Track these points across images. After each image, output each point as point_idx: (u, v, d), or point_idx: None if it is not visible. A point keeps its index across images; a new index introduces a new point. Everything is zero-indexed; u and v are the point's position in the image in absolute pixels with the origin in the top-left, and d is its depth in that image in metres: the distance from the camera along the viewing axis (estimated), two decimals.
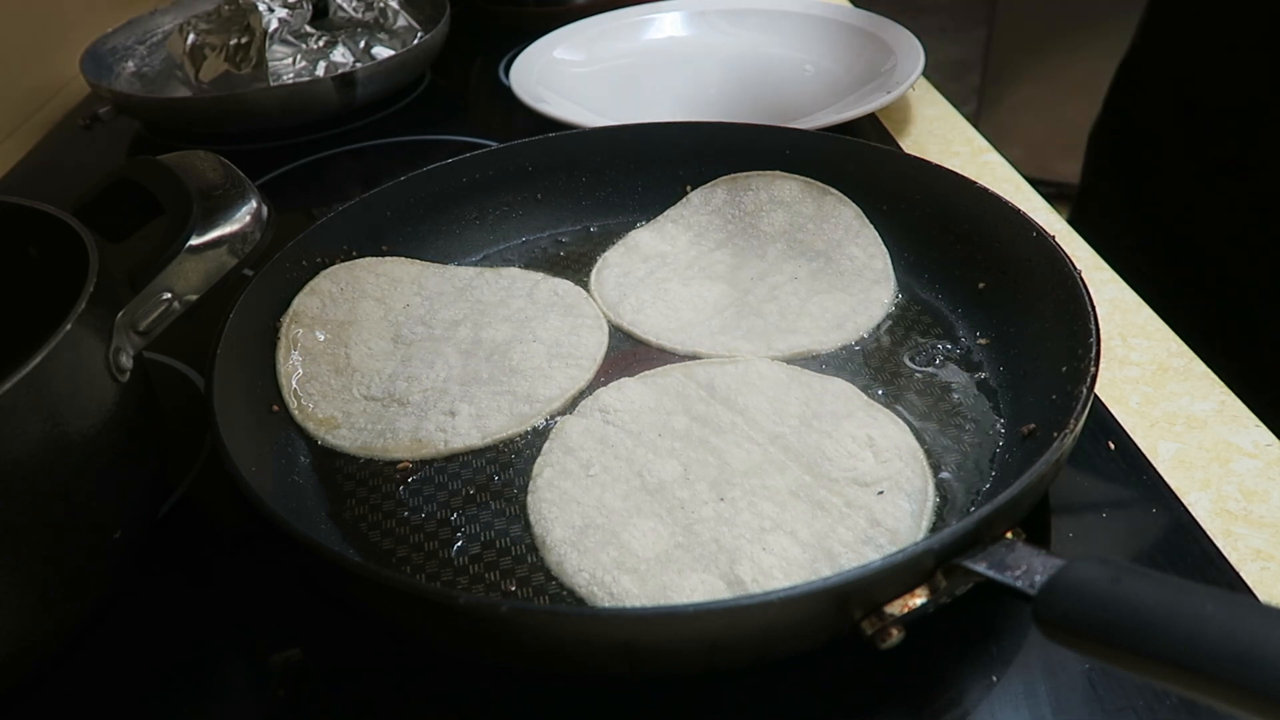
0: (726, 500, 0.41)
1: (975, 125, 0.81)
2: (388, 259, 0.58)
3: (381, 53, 0.92)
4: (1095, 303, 0.43)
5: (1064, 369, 0.42)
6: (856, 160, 0.59)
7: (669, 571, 0.38)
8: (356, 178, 0.81)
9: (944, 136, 0.78)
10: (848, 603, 0.32)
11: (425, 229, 0.61)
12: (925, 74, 0.80)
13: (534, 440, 0.47)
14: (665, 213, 0.62)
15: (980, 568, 0.32)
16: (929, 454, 0.44)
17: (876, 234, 0.57)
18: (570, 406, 0.49)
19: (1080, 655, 0.35)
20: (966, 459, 0.44)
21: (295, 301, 0.53)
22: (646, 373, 0.50)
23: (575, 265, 0.61)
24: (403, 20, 0.95)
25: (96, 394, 0.37)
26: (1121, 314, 0.56)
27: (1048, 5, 2.30)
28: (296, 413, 0.49)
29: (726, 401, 0.47)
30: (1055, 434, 0.37)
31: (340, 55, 0.90)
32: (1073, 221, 0.59)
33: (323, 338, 0.52)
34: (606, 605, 0.38)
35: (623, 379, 0.50)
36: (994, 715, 0.35)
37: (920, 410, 0.47)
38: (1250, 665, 0.24)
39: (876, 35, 0.86)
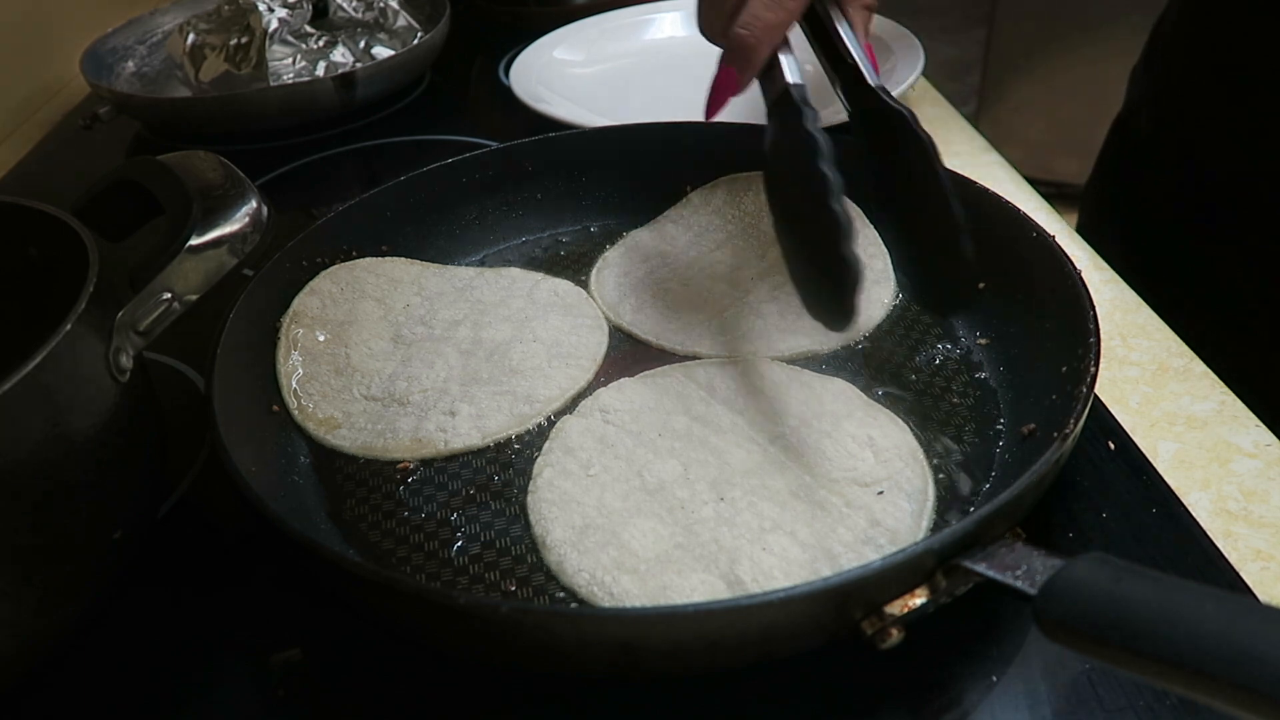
0: (726, 500, 0.41)
1: (975, 125, 0.81)
2: (388, 259, 0.58)
3: (381, 53, 0.92)
4: (1095, 303, 0.43)
5: (1064, 369, 0.42)
6: (856, 160, 0.59)
7: (669, 572, 0.38)
8: (356, 178, 0.81)
9: (944, 136, 0.78)
10: (848, 603, 0.32)
11: (425, 229, 0.61)
12: (925, 74, 0.80)
13: (534, 440, 0.47)
14: (665, 213, 0.62)
15: (980, 568, 0.32)
16: (929, 454, 0.44)
17: (877, 234, 0.57)
18: (570, 406, 0.49)
19: (1080, 655, 0.35)
20: (966, 459, 0.44)
21: (295, 301, 0.53)
22: (646, 373, 0.50)
23: (575, 265, 0.61)
24: (403, 20, 0.95)
25: (96, 394, 0.37)
26: (1121, 314, 0.56)
27: (1048, 5, 2.30)
28: (296, 413, 0.49)
29: (726, 402, 0.47)
30: (1055, 434, 0.37)
31: (340, 55, 0.90)
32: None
33: (323, 338, 0.52)
34: (606, 605, 0.38)
35: (622, 379, 0.50)
36: (994, 715, 0.35)
37: (920, 410, 0.47)
38: (1250, 665, 0.24)
39: (876, 35, 0.86)
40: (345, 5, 0.93)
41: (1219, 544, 0.40)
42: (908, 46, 0.82)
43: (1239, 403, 0.48)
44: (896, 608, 0.32)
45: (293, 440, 0.48)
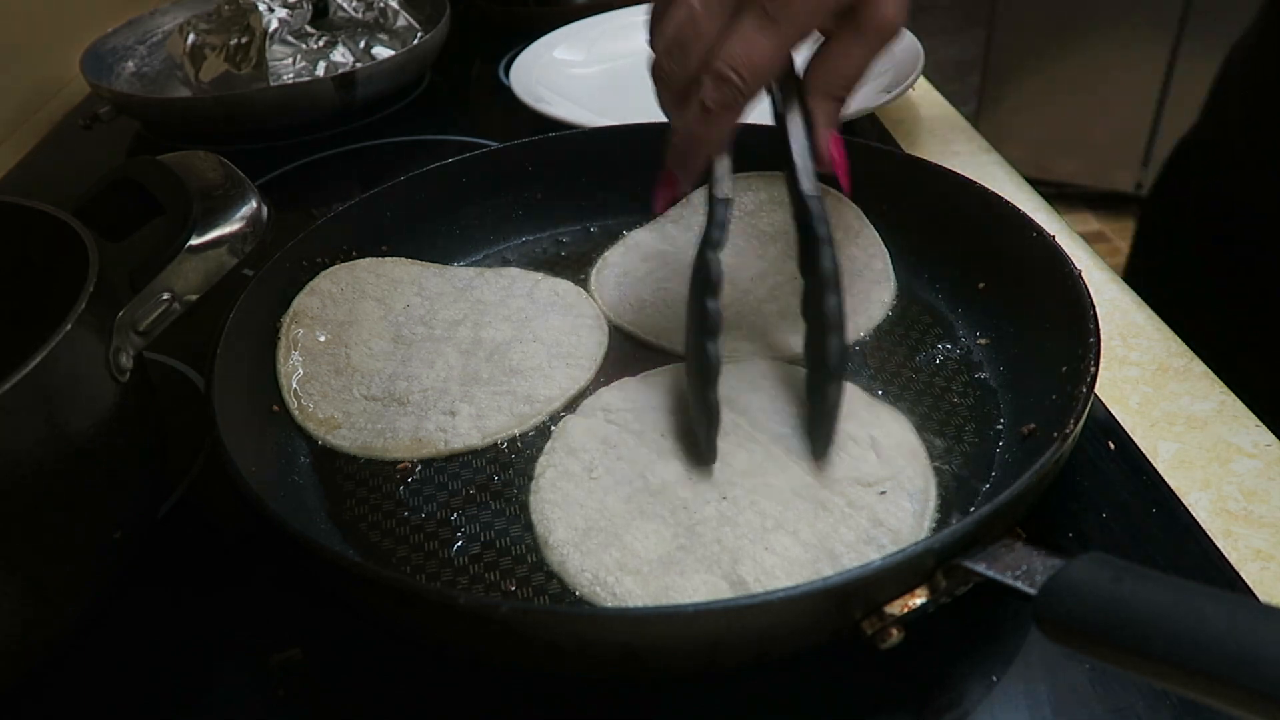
0: (729, 500, 0.41)
1: (975, 125, 0.81)
2: (388, 259, 0.58)
3: (381, 53, 0.92)
4: (1095, 303, 0.43)
5: (1064, 369, 0.42)
6: (856, 160, 0.59)
7: (671, 572, 0.38)
8: (356, 178, 0.81)
9: (944, 136, 0.78)
10: (848, 603, 0.32)
11: (425, 229, 0.61)
12: (925, 74, 0.80)
13: (534, 440, 0.47)
14: (665, 213, 0.62)
15: (980, 568, 0.32)
16: (931, 453, 0.44)
17: (876, 234, 0.57)
18: (570, 406, 0.49)
19: (1080, 655, 0.35)
20: (967, 459, 0.44)
21: (295, 301, 0.53)
22: (648, 372, 0.50)
23: (575, 265, 0.60)
24: (403, 20, 0.95)
25: (96, 394, 0.37)
26: (1121, 314, 0.56)
27: (1048, 5, 2.30)
28: (297, 413, 0.49)
29: (728, 401, 0.47)
30: (1055, 434, 0.37)
31: (340, 55, 0.90)
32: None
33: (323, 338, 0.52)
34: (609, 605, 0.38)
35: (625, 378, 0.50)
36: (994, 715, 0.35)
37: (920, 410, 0.47)
38: (1250, 665, 0.24)
39: None
40: (345, 5, 0.93)
41: (1219, 544, 0.40)
42: (908, 46, 0.82)
43: (1239, 403, 0.48)
44: (896, 608, 0.32)
45: (293, 440, 0.48)
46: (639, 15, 0.98)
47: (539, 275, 0.58)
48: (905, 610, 0.32)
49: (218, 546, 0.46)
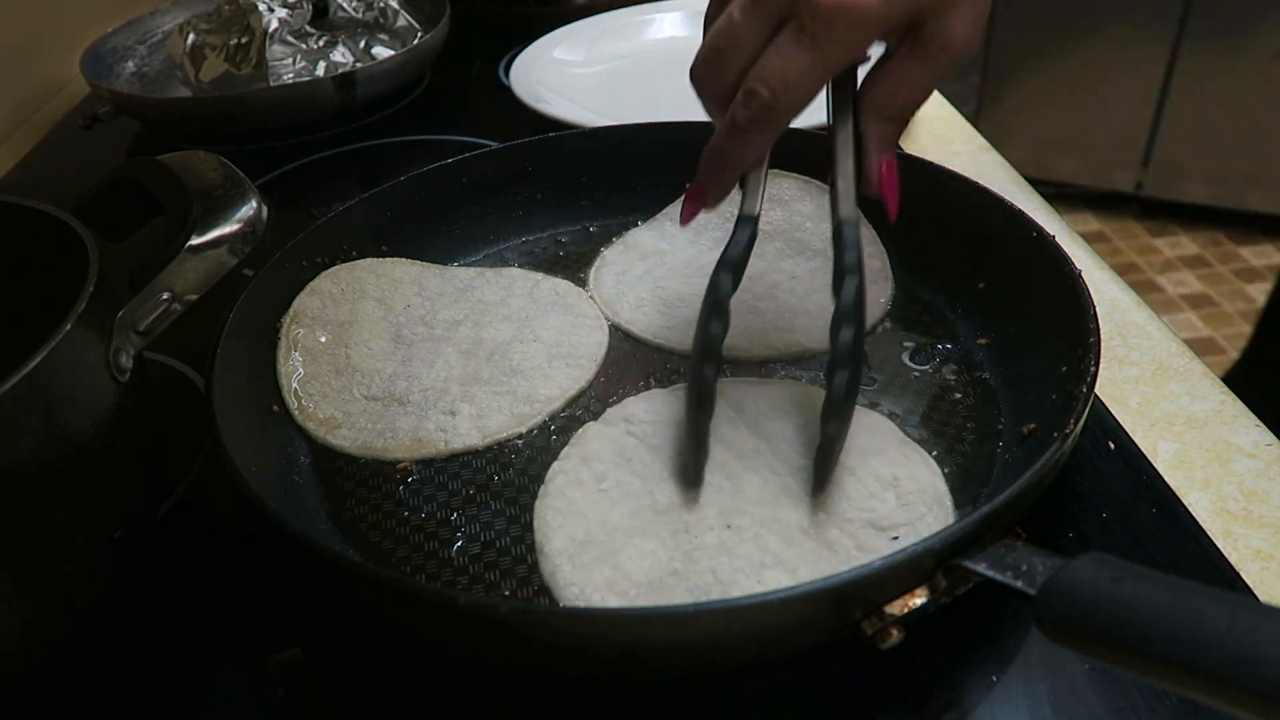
0: (733, 529, 0.40)
1: (975, 125, 0.81)
2: (388, 260, 0.58)
3: (381, 53, 0.92)
4: (1095, 303, 0.43)
5: (1064, 369, 0.42)
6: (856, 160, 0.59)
7: (658, 599, 0.38)
8: (356, 178, 0.81)
9: (944, 136, 0.78)
10: (847, 603, 0.32)
11: (425, 229, 0.61)
12: None
13: (534, 440, 0.47)
14: (664, 211, 0.62)
15: (980, 568, 0.32)
16: (955, 495, 0.42)
17: (875, 234, 0.57)
18: (571, 405, 0.49)
19: (1080, 655, 0.35)
20: (966, 459, 0.44)
21: (296, 302, 0.53)
22: (678, 385, 0.49)
23: (575, 265, 0.60)
24: (403, 20, 0.95)
25: (96, 394, 0.37)
26: (1121, 314, 0.56)
27: (1048, 5, 2.30)
28: (297, 413, 0.49)
29: (753, 425, 0.45)
30: (1055, 434, 0.37)
31: (340, 55, 0.90)
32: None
33: (323, 338, 0.52)
34: None
35: (654, 390, 0.49)
36: (994, 715, 0.35)
37: (920, 410, 0.47)
38: (1250, 665, 0.24)
39: None
40: (345, 5, 0.93)
41: (1219, 544, 0.40)
42: None
43: (1239, 403, 0.49)
44: (896, 608, 0.32)
45: (293, 440, 0.48)
46: (639, 15, 0.98)
47: (539, 275, 0.58)
48: (905, 610, 0.32)
49: (218, 546, 0.46)
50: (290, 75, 0.87)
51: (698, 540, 0.40)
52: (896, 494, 0.41)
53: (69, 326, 0.35)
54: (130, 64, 0.96)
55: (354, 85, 0.83)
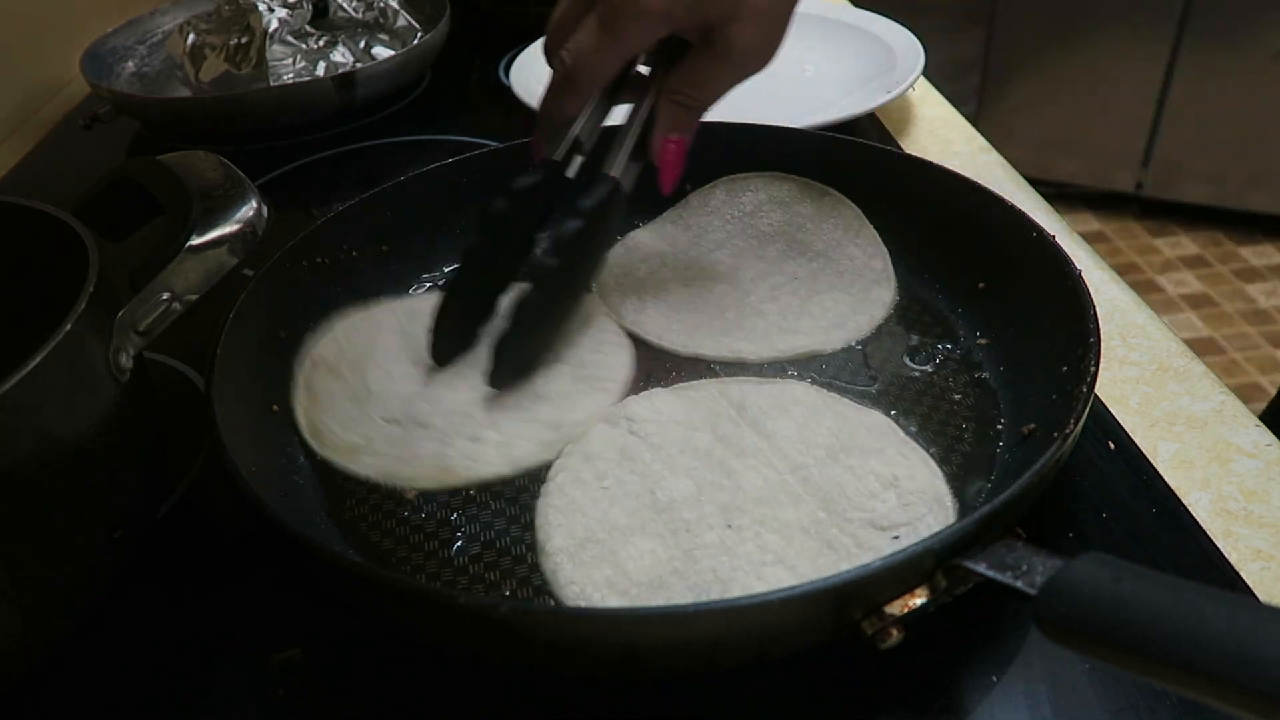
0: (734, 528, 0.40)
1: (975, 125, 0.81)
2: (408, 298, 0.57)
3: (381, 53, 0.92)
4: (1095, 303, 0.43)
5: (1064, 369, 0.42)
6: (856, 160, 0.59)
7: (658, 597, 0.38)
8: (356, 178, 0.81)
9: (944, 136, 0.78)
10: (847, 603, 0.32)
11: (425, 229, 0.60)
12: (925, 74, 0.80)
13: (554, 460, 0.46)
14: (664, 214, 0.62)
15: (980, 568, 0.32)
16: (956, 492, 0.42)
17: (876, 234, 0.57)
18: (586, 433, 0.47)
19: (1081, 655, 0.35)
20: (966, 459, 0.44)
21: (314, 350, 0.52)
22: (680, 384, 0.49)
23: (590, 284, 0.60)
24: (403, 20, 0.95)
25: (96, 394, 0.37)
26: (1121, 314, 0.56)
27: (1048, 5, 2.30)
28: (316, 445, 0.47)
29: (755, 424, 0.45)
30: (1055, 434, 0.37)
31: (340, 55, 0.89)
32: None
33: (340, 376, 0.51)
34: None
35: (655, 388, 0.49)
36: (994, 715, 0.35)
37: (920, 410, 0.47)
38: (1250, 665, 0.24)
39: (876, 35, 0.86)
40: (345, 5, 0.93)
41: (1219, 544, 0.40)
42: (908, 46, 0.82)
43: (1239, 403, 0.48)
44: (896, 608, 0.32)
45: (293, 440, 0.48)
46: None
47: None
48: (905, 610, 0.32)
49: (218, 546, 0.46)
50: (290, 75, 0.87)
51: (698, 539, 0.40)
52: (897, 494, 0.41)
53: (69, 326, 0.35)
54: (130, 64, 0.96)
55: (354, 85, 0.83)
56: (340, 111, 0.85)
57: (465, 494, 0.45)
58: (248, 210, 0.44)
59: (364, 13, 0.94)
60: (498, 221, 0.49)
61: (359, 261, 0.57)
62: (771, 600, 0.30)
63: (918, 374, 0.49)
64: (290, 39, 0.88)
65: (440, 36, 0.90)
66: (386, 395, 0.49)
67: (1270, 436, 0.46)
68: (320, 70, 0.88)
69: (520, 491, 0.44)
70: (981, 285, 0.52)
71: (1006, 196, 0.52)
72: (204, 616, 0.42)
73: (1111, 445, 0.45)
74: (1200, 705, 0.34)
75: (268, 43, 0.87)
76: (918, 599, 0.32)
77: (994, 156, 0.74)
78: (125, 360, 0.39)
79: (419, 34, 0.94)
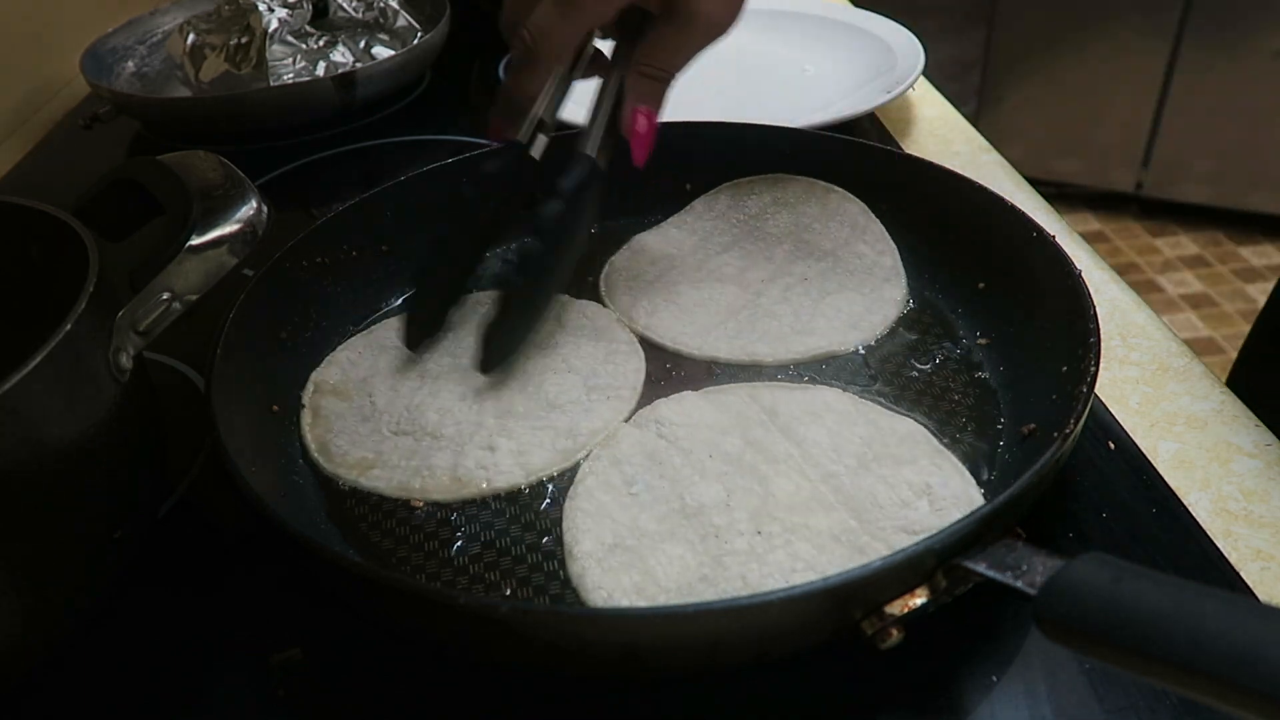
0: (764, 535, 0.40)
1: (975, 125, 0.81)
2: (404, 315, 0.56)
3: (381, 53, 0.92)
4: (1095, 303, 0.43)
5: (1064, 369, 0.42)
6: (856, 160, 0.59)
7: None
8: (356, 178, 0.81)
9: (944, 136, 0.78)
10: (848, 603, 0.32)
11: (425, 229, 0.60)
12: (925, 74, 0.80)
13: (570, 470, 0.46)
14: (668, 219, 0.62)
15: (981, 568, 0.32)
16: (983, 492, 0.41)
17: (883, 229, 0.57)
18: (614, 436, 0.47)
19: (1081, 655, 0.35)
20: (967, 459, 0.44)
21: (314, 375, 0.51)
22: (710, 389, 0.49)
23: (577, 268, 0.60)
24: (403, 20, 0.95)
25: (96, 394, 0.37)
26: (1121, 314, 0.56)
27: (1048, 5, 2.30)
28: (326, 464, 0.46)
29: (786, 430, 0.45)
30: (1055, 434, 0.37)
31: (340, 55, 0.89)
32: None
33: (346, 398, 0.50)
34: None
35: (685, 392, 0.49)
36: (994, 715, 0.35)
37: (920, 410, 0.47)
38: (1250, 665, 0.24)
39: (876, 35, 0.86)
40: (345, 5, 0.93)
41: (1219, 544, 0.40)
42: (908, 46, 0.82)
43: (1239, 403, 0.49)
44: (896, 608, 0.32)
45: (293, 440, 0.48)
46: None
47: (563, 297, 0.56)
48: (905, 610, 0.32)
49: (218, 546, 0.46)
50: (290, 75, 0.87)
51: (727, 545, 0.39)
52: (930, 501, 0.41)
53: (69, 326, 0.35)
54: (130, 64, 0.96)
55: (354, 85, 0.83)
56: (340, 111, 0.85)
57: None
58: (248, 210, 0.44)
59: (364, 13, 0.94)
60: (466, 207, 0.50)
61: (359, 261, 0.57)
62: (771, 600, 0.30)
63: (917, 374, 0.49)
64: (290, 39, 0.88)
65: (440, 36, 0.90)
66: (394, 409, 0.49)
67: (1270, 436, 0.46)
68: (320, 70, 0.88)
69: (519, 491, 0.44)
70: (981, 285, 0.52)
71: (1006, 196, 0.52)
72: (204, 616, 0.42)
73: (1111, 445, 0.45)
74: (1200, 705, 0.34)
75: (268, 43, 0.87)
76: (918, 599, 0.32)
77: (994, 156, 0.74)
78: (125, 360, 0.39)
79: (419, 34, 0.94)
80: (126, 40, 0.97)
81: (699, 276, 0.57)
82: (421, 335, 0.52)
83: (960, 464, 0.43)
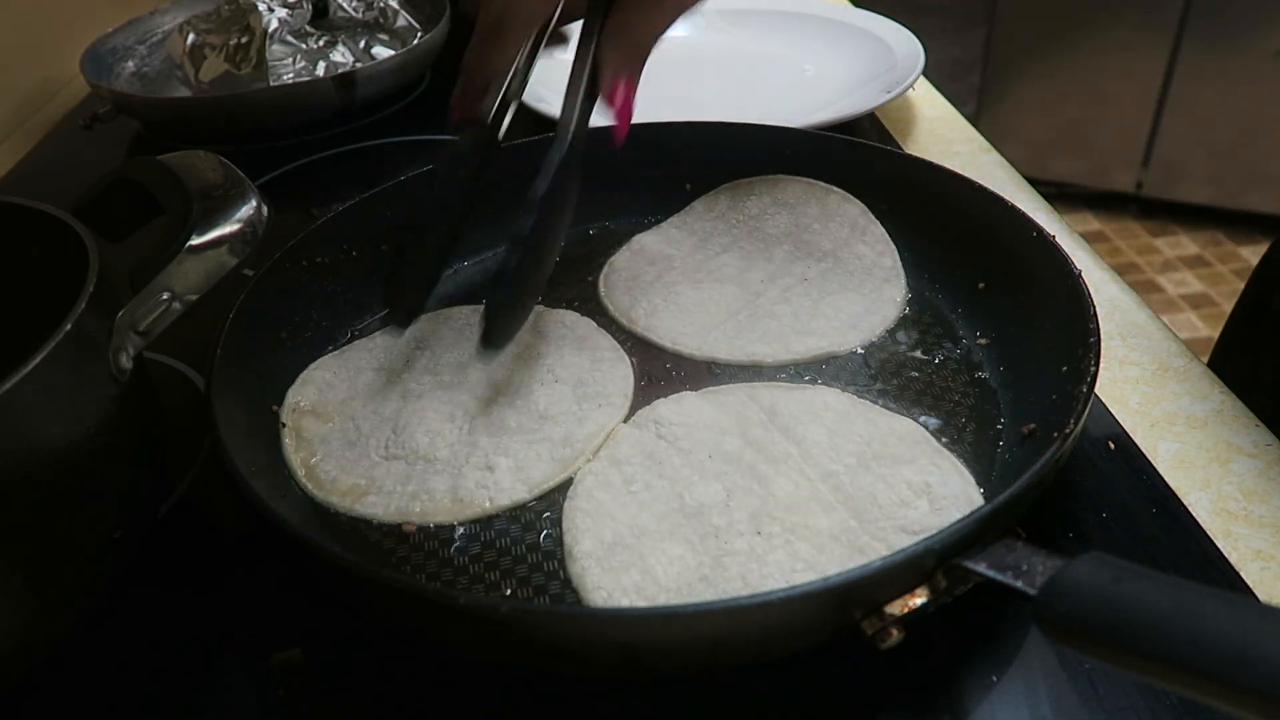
0: (763, 535, 0.40)
1: (975, 125, 0.81)
2: (377, 334, 0.55)
3: (381, 53, 0.92)
4: (1095, 303, 0.43)
5: (1064, 369, 0.42)
6: (856, 160, 0.59)
7: None
8: (356, 178, 0.81)
9: (944, 136, 0.78)
10: (848, 603, 0.32)
11: (425, 229, 0.60)
12: (925, 74, 0.80)
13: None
14: (668, 220, 0.62)
15: (981, 568, 0.32)
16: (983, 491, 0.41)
17: (883, 230, 0.57)
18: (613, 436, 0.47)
19: (1081, 655, 0.35)
20: (967, 459, 0.44)
21: (289, 395, 0.50)
22: (710, 389, 0.49)
23: (574, 268, 0.60)
24: (403, 20, 0.95)
25: (96, 394, 0.37)
26: (1121, 314, 0.56)
27: (1048, 5, 2.30)
28: (316, 491, 0.45)
29: (785, 429, 0.45)
30: (1055, 434, 0.37)
31: (340, 55, 0.89)
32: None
33: (327, 422, 0.49)
34: None
35: (684, 392, 0.49)
36: (994, 715, 0.35)
37: (920, 410, 0.47)
38: (1250, 665, 0.24)
39: (876, 35, 0.86)
40: (345, 5, 0.93)
41: (1219, 544, 0.40)
42: (908, 46, 0.82)
43: (1239, 403, 0.49)
44: (896, 608, 0.32)
45: None
46: None
47: (539, 307, 0.56)
48: (905, 610, 0.32)
49: (218, 546, 0.46)
50: (290, 75, 0.87)
51: (727, 545, 0.39)
52: (929, 500, 0.41)
53: (69, 326, 0.35)
54: (130, 64, 0.96)
55: (354, 85, 0.83)
56: (340, 111, 0.85)
57: None
58: (248, 210, 0.44)
59: (364, 13, 0.94)
60: (438, 187, 0.51)
61: (359, 261, 0.57)
62: (771, 600, 0.30)
63: (918, 374, 0.49)
64: (290, 39, 0.88)
65: (440, 36, 0.90)
66: (380, 433, 0.47)
67: (1270, 436, 0.46)
68: (320, 70, 0.88)
69: (524, 506, 0.44)
70: (981, 285, 0.52)
71: (1006, 196, 0.52)
72: (204, 616, 0.42)
73: (1111, 445, 0.45)
74: (1200, 705, 0.34)
75: (268, 43, 0.87)
76: (918, 599, 0.32)
77: (994, 156, 0.74)
78: (125, 360, 0.39)
79: (419, 34, 0.94)
80: (126, 40, 0.97)
81: (699, 277, 0.57)
82: (409, 315, 0.51)
83: (959, 463, 0.43)
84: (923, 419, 0.46)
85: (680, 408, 0.47)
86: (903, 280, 0.55)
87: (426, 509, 0.44)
